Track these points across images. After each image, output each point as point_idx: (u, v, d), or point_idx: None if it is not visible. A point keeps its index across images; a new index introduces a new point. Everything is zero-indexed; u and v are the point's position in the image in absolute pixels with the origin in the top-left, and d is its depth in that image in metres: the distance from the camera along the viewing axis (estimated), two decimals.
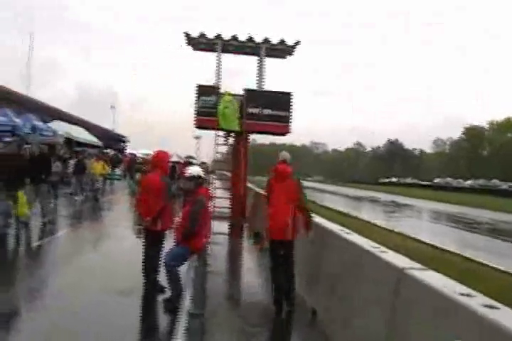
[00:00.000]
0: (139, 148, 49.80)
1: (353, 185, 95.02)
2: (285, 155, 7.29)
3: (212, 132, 13.70)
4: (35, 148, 14.04)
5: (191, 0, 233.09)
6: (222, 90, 12.98)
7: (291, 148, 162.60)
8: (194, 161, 28.34)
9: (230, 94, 12.68)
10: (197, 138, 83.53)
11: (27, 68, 35.33)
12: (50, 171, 13.62)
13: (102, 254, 10.08)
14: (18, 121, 27.15)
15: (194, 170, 6.81)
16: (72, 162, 21.95)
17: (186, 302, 3.94)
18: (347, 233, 6.38)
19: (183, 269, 6.31)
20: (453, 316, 3.31)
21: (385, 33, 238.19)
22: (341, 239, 6.20)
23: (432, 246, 15.79)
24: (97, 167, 21.06)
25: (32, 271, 8.38)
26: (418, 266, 4.40)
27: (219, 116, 12.36)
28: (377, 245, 5.43)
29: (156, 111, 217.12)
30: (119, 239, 11.98)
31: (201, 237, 6.48)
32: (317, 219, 7.77)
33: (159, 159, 7.49)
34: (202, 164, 35.87)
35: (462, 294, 3.39)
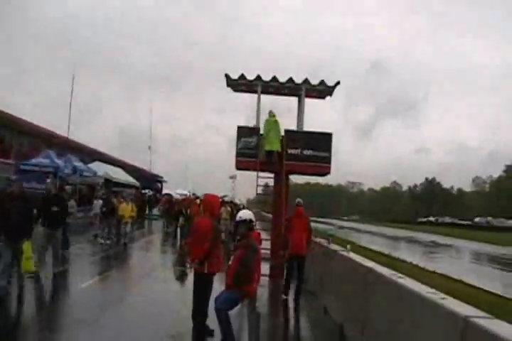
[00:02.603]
0: (174, 188, 50.34)
1: (390, 224, 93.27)
2: (299, 201, 11.10)
3: (247, 172, 13.78)
4: (52, 185, 12.56)
5: (229, 39, 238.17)
6: (262, 131, 13.09)
7: (326, 188, 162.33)
8: (226, 199, 28.52)
9: (273, 115, 12.81)
10: (232, 177, 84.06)
11: (68, 110, 36.22)
12: (66, 212, 11.90)
13: (146, 299, 9.71)
14: (59, 162, 27.93)
15: (245, 214, 6.74)
16: (96, 202, 21.01)
17: None
18: (399, 277, 6.15)
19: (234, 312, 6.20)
20: None
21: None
22: (393, 283, 5.98)
23: (484, 290, 15.18)
24: (126, 209, 19.09)
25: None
26: (482, 314, 4.17)
27: (264, 139, 12.72)
28: (434, 291, 5.21)
29: (192, 151, 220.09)
30: (160, 282, 11.73)
31: (252, 282, 6.35)
32: (367, 263, 7.58)
33: (209, 202, 7.52)
34: (231, 202, 36.04)
35: None
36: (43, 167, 26.62)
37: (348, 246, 9.49)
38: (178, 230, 22.52)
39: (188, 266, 7.20)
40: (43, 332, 6.87)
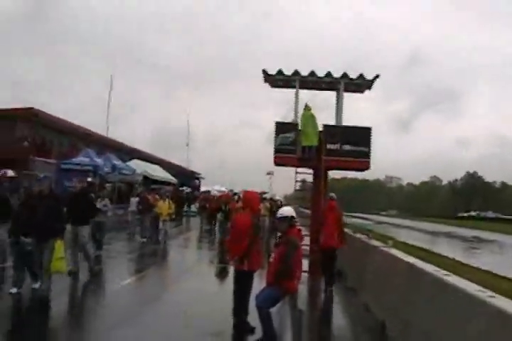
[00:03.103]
0: (212, 184, 50.62)
1: (429, 219, 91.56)
2: (332, 195, 11.79)
3: (284, 168, 13.74)
4: (79, 183, 12.15)
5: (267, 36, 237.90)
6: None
7: (363, 183, 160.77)
8: (266, 195, 28.41)
9: (309, 109, 12.70)
10: (269, 173, 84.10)
11: (107, 109, 37.02)
12: (94, 209, 11.80)
13: (186, 296, 9.68)
14: (98, 161, 28.45)
15: (286, 211, 6.69)
16: (132, 200, 21.04)
17: None
18: (445, 274, 5.99)
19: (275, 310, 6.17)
20: None
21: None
22: (438, 280, 5.82)
23: None
24: (164, 206, 18.49)
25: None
26: None
27: (301, 135, 12.62)
28: (481, 288, 5.05)
29: (229, 148, 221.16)
30: (200, 279, 11.75)
31: (294, 279, 6.30)
32: (409, 259, 7.43)
33: (249, 199, 7.52)
34: (271, 199, 35.99)
35: None
36: (83, 166, 27.15)
37: (390, 242, 9.32)
38: (217, 227, 22.65)
39: (230, 262, 7.19)
40: (82, 333, 7.00)
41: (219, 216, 21.29)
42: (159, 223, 18.26)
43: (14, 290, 8.44)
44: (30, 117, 32.65)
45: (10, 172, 12.73)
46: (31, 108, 32.13)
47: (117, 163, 29.97)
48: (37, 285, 8.69)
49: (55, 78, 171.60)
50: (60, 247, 8.44)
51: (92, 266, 11.10)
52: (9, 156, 31.35)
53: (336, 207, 11.45)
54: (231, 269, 7.56)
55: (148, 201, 18.83)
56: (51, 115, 34.16)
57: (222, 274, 12.39)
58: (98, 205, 13.19)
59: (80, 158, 28.34)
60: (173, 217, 21.89)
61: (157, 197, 19.48)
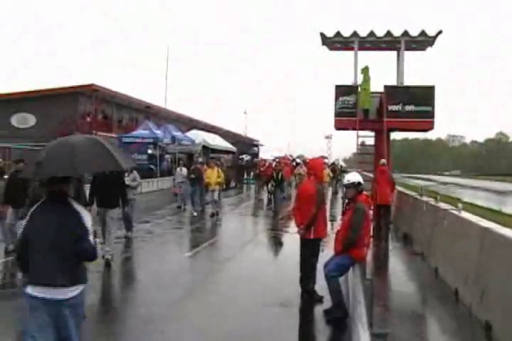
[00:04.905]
0: (271, 151, 50.61)
1: (495, 178, 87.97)
2: (383, 161, 12.39)
3: (342, 132, 13.53)
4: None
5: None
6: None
7: (425, 143, 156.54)
8: (326, 161, 27.69)
9: (367, 71, 12.42)
10: (327, 137, 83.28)
11: (165, 81, 37.34)
12: (124, 190, 10.23)
13: (250, 266, 9.72)
14: (158, 132, 28.87)
15: (353, 177, 6.49)
16: (178, 171, 19.62)
17: (363, 319, 3.64)
18: None
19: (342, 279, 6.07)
20: None
21: None
22: None
23: None
24: (212, 175, 17.08)
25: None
26: None
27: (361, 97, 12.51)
28: None
29: (283, 113, 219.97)
30: (262, 249, 11.79)
31: (362, 246, 6.16)
32: (483, 223, 7.12)
33: (314, 166, 7.39)
34: (333, 164, 35.60)
35: None
36: (143, 138, 27.62)
37: (460, 205, 8.94)
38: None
39: (297, 230, 7.11)
40: (154, 301, 7.07)
41: (269, 185, 19.99)
42: (209, 193, 17.13)
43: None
44: (91, 93, 33.46)
45: None
46: (92, 84, 32.85)
47: (176, 133, 30.29)
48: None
49: (114, 54, 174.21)
50: None
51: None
52: (73, 132, 32.45)
53: (386, 170, 12.51)
54: (296, 237, 7.45)
55: (200, 171, 17.61)
56: (110, 90, 34.82)
57: (286, 243, 12.31)
58: (126, 181, 11.61)
59: (140, 131, 28.87)
60: (224, 186, 21.04)
61: (205, 166, 18.42)
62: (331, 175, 25.61)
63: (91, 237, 3.64)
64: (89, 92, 33.34)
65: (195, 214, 16.69)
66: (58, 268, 3.54)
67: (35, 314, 3.52)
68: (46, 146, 3.85)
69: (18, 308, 4.23)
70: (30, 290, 3.55)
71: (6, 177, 10.17)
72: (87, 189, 9.74)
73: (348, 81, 13.36)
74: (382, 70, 16.46)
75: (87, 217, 3.68)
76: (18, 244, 3.82)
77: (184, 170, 19.05)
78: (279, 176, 18.64)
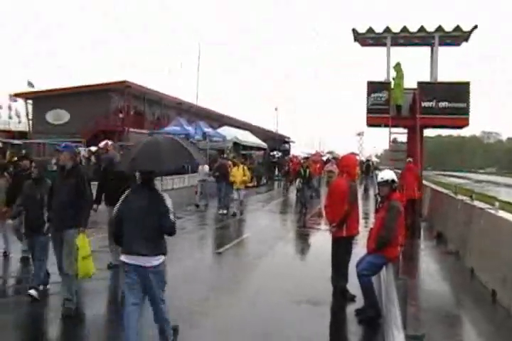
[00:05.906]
0: (302, 148, 50.43)
1: None
2: (410, 160, 12.97)
3: (374, 128, 13.42)
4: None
5: None
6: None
7: (459, 140, 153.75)
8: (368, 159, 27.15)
9: (400, 67, 12.37)
10: (359, 134, 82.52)
11: (196, 77, 37.45)
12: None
13: (282, 262, 9.70)
14: (189, 129, 28.94)
15: (387, 175, 6.37)
16: (201, 168, 18.64)
17: (398, 320, 3.55)
18: None
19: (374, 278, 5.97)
20: None
21: None
22: None
23: None
24: (237, 173, 16.40)
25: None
26: None
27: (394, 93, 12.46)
28: None
29: (318, 111, 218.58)
30: (291, 246, 11.76)
31: (396, 245, 6.03)
32: None
33: (347, 163, 7.31)
34: (367, 161, 35.26)
35: None
36: (174, 134, 27.70)
37: (497, 204, 8.72)
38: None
39: (329, 228, 7.03)
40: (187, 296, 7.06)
41: (297, 182, 18.48)
42: (234, 192, 16.46)
43: None
44: (124, 89, 33.89)
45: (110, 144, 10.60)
46: (124, 81, 33.26)
47: (208, 130, 30.33)
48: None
49: (147, 52, 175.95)
50: (84, 243, 6.17)
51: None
52: (106, 128, 32.99)
53: (413, 167, 13.03)
54: (326, 235, 7.37)
55: (225, 167, 16.89)
56: (142, 86, 35.20)
57: (316, 241, 12.21)
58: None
59: (172, 127, 28.95)
60: (248, 184, 19.90)
61: (230, 163, 17.59)
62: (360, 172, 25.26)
63: (171, 215, 4.51)
64: (122, 89, 33.77)
65: (224, 211, 16.30)
66: (144, 240, 4.47)
67: (127, 276, 4.58)
68: (138, 145, 5.00)
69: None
70: (124, 257, 4.57)
71: (6, 174, 9.58)
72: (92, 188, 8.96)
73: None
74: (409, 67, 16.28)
75: (168, 200, 4.57)
76: (114, 221, 4.71)
77: (206, 167, 18.46)
78: (307, 173, 17.59)
